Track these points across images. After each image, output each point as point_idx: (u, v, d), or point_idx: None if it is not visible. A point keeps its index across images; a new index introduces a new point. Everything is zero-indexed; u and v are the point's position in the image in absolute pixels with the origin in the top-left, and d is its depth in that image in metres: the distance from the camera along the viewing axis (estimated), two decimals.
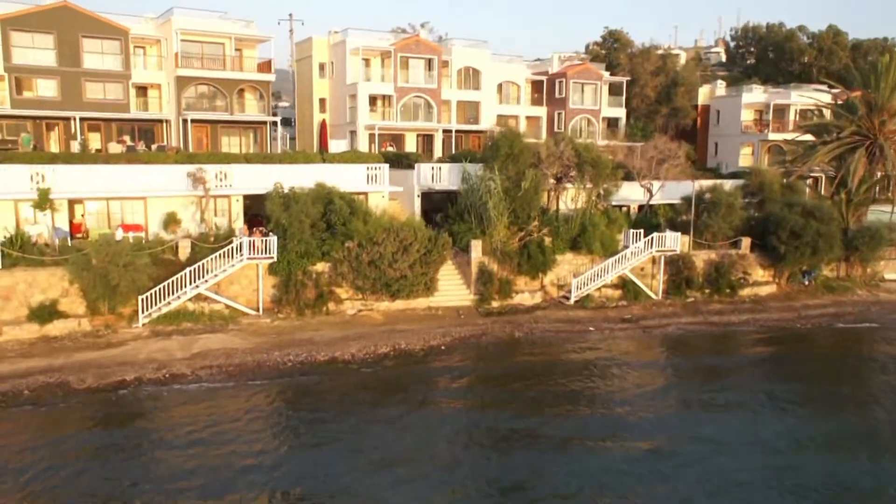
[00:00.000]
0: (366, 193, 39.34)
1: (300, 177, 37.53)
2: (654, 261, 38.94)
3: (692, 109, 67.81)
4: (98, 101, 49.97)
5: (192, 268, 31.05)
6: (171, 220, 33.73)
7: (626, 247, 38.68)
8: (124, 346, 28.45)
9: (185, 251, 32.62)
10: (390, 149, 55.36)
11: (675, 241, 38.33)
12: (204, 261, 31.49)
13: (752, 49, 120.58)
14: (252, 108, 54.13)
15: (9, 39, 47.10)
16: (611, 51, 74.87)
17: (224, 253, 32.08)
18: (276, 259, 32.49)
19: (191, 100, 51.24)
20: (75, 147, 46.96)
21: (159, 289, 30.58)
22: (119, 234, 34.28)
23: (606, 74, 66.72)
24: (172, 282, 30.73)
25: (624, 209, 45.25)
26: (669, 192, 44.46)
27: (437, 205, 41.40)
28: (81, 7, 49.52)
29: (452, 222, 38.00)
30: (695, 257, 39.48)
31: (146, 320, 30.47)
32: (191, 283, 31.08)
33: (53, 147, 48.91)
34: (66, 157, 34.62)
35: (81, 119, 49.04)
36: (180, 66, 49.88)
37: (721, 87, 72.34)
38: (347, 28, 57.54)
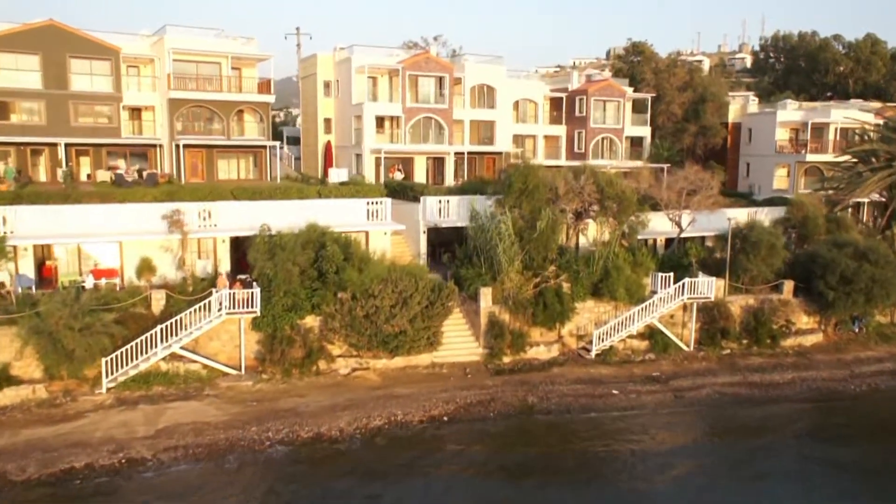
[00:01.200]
0: (366, 232, 35.86)
1: (293, 214, 34.16)
2: (684, 307, 34.89)
3: (722, 128, 63.44)
4: (87, 126, 46.92)
5: (163, 325, 27.61)
6: (144, 268, 30.30)
7: (653, 292, 34.71)
8: (82, 418, 25.03)
9: (158, 303, 29.19)
10: (398, 174, 51.87)
11: (709, 287, 34.25)
12: (179, 316, 28.05)
13: (782, 59, 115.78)
14: (252, 131, 50.83)
15: None
16: (634, 64, 70.79)
17: (202, 306, 28.62)
18: (259, 314, 28.96)
19: (185, 123, 48.03)
20: (60, 175, 43.97)
21: (127, 349, 27.16)
22: (89, 282, 31.05)
23: (629, 91, 62.66)
24: (142, 341, 27.29)
25: (650, 242, 41.27)
26: (701, 223, 40.38)
27: (446, 237, 37.72)
28: (69, 26, 46.58)
29: (460, 264, 34.27)
30: (731, 304, 35.37)
31: (111, 385, 27.04)
32: (163, 342, 27.64)
33: (42, 176, 46.03)
34: (31, 197, 31.37)
35: (68, 145, 46.03)
36: (173, 88, 46.67)
37: (753, 104, 67.90)
38: (353, 45, 54.12)
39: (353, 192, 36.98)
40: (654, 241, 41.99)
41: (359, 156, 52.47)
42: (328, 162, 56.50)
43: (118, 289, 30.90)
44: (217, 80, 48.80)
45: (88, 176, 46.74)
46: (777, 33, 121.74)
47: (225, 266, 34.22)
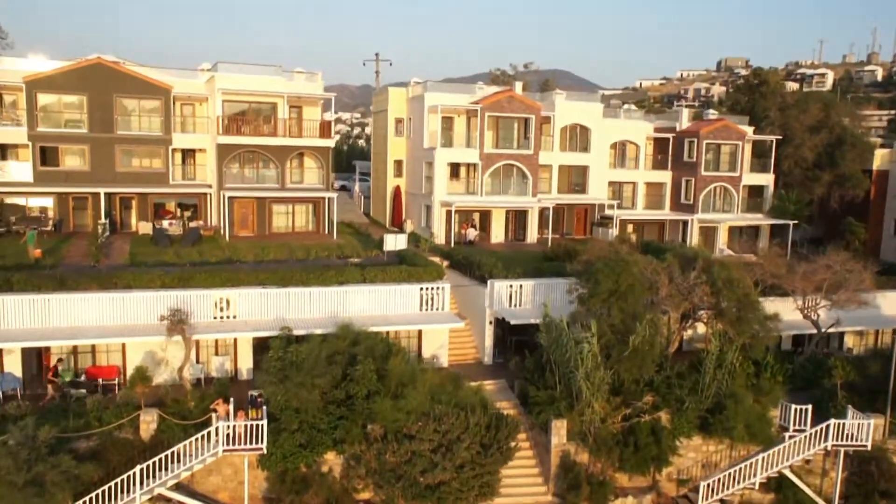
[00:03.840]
0: (419, 331, 29.56)
1: (328, 304, 28.36)
2: (826, 452, 26.40)
3: (864, 176, 53.06)
4: (133, 172, 43.05)
5: (146, 464, 22.06)
6: (139, 377, 24.94)
7: (783, 429, 26.45)
8: None
9: (149, 427, 23.73)
10: (471, 231, 45.22)
11: (864, 432, 25.63)
12: (168, 452, 22.47)
13: None
14: (312, 177, 45.63)
15: (35, 103, 40.89)
16: (755, 97, 61.03)
17: (200, 437, 22.96)
18: (265, 451, 22.99)
19: (235, 170, 43.27)
20: (99, 229, 40.07)
21: (101, 491, 21.78)
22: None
23: (749, 130, 53.44)
24: (117, 483, 21.83)
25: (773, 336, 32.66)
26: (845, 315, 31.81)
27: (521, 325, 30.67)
28: (117, 63, 42.79)
29: (529, 378, 27.21)
30: (894, 455, 26.52)
31: None
32: (144, 484, 22.10)
33: (86, 224, 42.37)
34: (20, 283, 26.67)
35: (109, 194, 42.20)
36: (222, 133, 41.93)
37: None
38: (427, 81, 48.01)
39: (406, 275, 30.58)
40: (779, 339, 33.36)
41: (429, 207, 46.18)
42: (397, 209, 50.70)
43: (116, 391, 25.90)
44: (272, 123, 43.75)
45: (133, 231, 42.90)
46: None
47: (247, 363, 28.74)
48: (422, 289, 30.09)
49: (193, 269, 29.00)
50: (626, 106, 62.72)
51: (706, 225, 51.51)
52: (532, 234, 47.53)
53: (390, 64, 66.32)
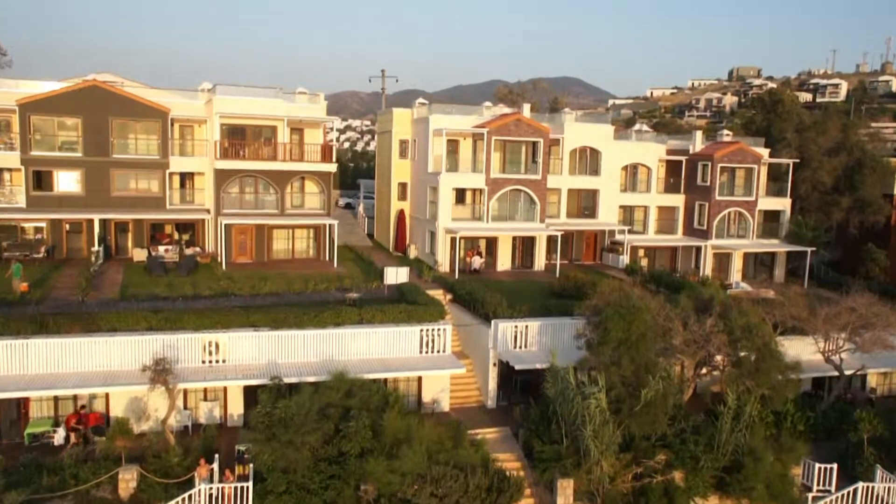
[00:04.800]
0: (418, 377, 28.11)
1: (323, 347, 27.00)
2: None
3: (885, 201, 51.26)
4: (129, 196, 41.88)
5: None
6: (119, 430, 23.52)
7: (806, 489, 24.77)
8: None
9: (128, 486, 22.30)
10: (476, 259, 43.70)
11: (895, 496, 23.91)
12: None
13: None
14: (313, 201, 44.28)
15: (28, 126, 39.79)
16: (771, 116, 59.40)
17: (181, 501, 21.51)
18: None
19: (233, 195, 41.98)
20: (92, 257, 38.90)
21: None
22: (60, 435, 24.80)
23: (765, 153, 51.74)
24: None
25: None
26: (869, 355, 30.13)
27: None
28: (114, 86, 41.66)
29: (534, 429, 25.63)
30: None
31: None
32: None
33: (81, 251, 41.24)
34: None
35: (104, 220, 41.01)
36: (219, 157, 40.68)
37: None
38: (432, 104, 46.68)
39: (405, 315, 29.08)
40: (797, 381, 31.61)
41: (433, 233, 44.72)
42: (401, 234, 49.28)
43: (70, 445, 24.44)
44: (272, 147, 42.48)
45: (129, 258, 41.65)
46: None
47: (238, 409, 27.32)
48: (422, 330, 28.61)
49: (182, 310, 27.54)
50: (637, 125, 61.00)
51: (720, 251, 49.80)
52: (540, 261, 45.98)
53: (396, 80, 65.16)
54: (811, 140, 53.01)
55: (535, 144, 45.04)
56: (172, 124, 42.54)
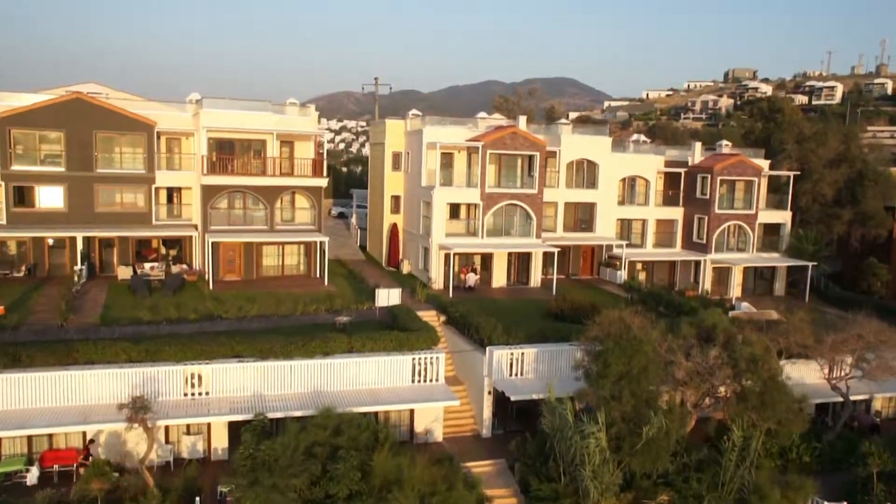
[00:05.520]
0: (410, 410, 27.04)
1: (311, 378, 25.96)
2: None
3: (887, 214, 50.39)
4: (113, 212, 40.70)
5: None
6: (95, 473, 22.36)
7: None
8: None
9: None
10: (471, 275, 42.66)
11: None
12: None
13: None
14: (304, 217, 43.21)
15: (8, 141, 38.58)
16: (770, 125, 58.48)
17: None
18: None
19: (221, 211, 40.87)
20: (75, 276, 37.74)
21: None
22: (33, 474, 23.64)
23: (765, 164, 50.84)
24: None
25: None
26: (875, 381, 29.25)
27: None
28: (98, 99, 40.45)
29: (530, 466, 24.59)
30: None
31: None
32: None
33: (65, 267, 40.08)
34: None
35: (87, 238, 39.81)
36: (206, 173, 39.57)
37: None
38: (425, 115, 45.61)
39: (397, 343, 28.00)
40: (807, 415, 30.62)
41: (426, 249, 43.65)
42: (394, 248, 48.20)
43: (75, 480, 23.34)
44: (261, 161, 41.37)
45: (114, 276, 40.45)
46: None
47: (222, 442, 26.20)
48: (414, 359, 27.56)
49: (164, 339, 26.38)
50: (635, 136, 60.03)
51: (720, 265, 48.85)
52: (536, 277, 44.95)
53: (390, 88, 63.89)
54: (811, 151, 52.10)
55: (531, 158, 44.01)
56: (159, 137, 41.41)
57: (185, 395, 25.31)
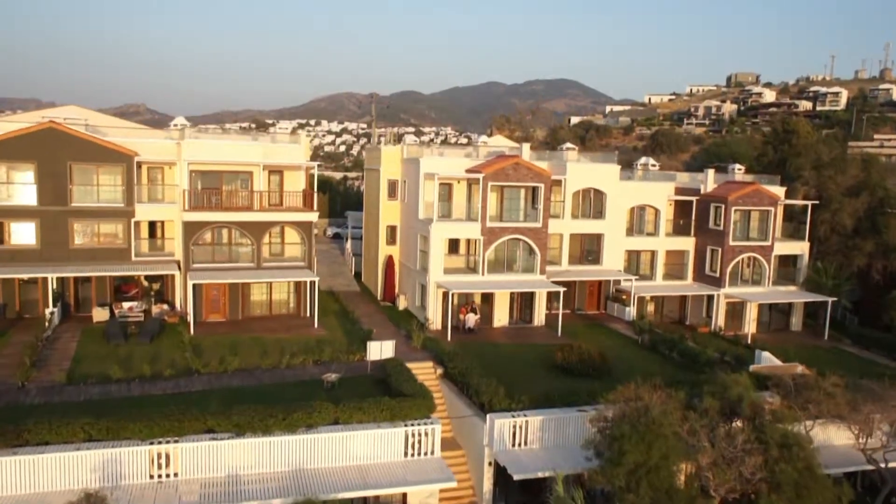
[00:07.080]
0: (403, 494, 24.43)
1: (292, 455, 23.44)
2: None
3: None
4: (89, 248, 38.11)
5: None
6: None
7: None
8: None
9: None
10: (471, 315, 40.07)
11: None
12: None
13: None
14: (295, 251, 40.66)
15: None
16: (785, 148, 55.75)
17: None
18: None
19: (205, 248, 38.33)
20: (46, 322, 35.18)
21: None
22: None
23: (781, 192, 48.19)
24: None
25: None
26: None
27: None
28: (72, 129, 37.83)
29: None
30: None
31: None
32: None
33: (30, 308, 37.55)
34: None
35: (60, 278, 37.25)
36: (188, 209, 37.02)
37: None
38: (422, 144, 42.98)
39: (388, 413, 25.36)
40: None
41: (423, 287, 41.05)
42: (389, 281, 45.69)
43: None
44: (247, 194, 38.81)
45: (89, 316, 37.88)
46: None
47: None
48: (407, 431, 24.96)
49: (127, 417, 23.59)
50: (643, 159, 57.41)
51: (733, 300, 46.25)
52: (540, 314, 42.35)
53: (387, 106, 61.33)
54: (830, 178, 49.48)
55: (535, 189, 41.39)
56: (139, 167, 38.83)
57: (152, 477, 22.69)
